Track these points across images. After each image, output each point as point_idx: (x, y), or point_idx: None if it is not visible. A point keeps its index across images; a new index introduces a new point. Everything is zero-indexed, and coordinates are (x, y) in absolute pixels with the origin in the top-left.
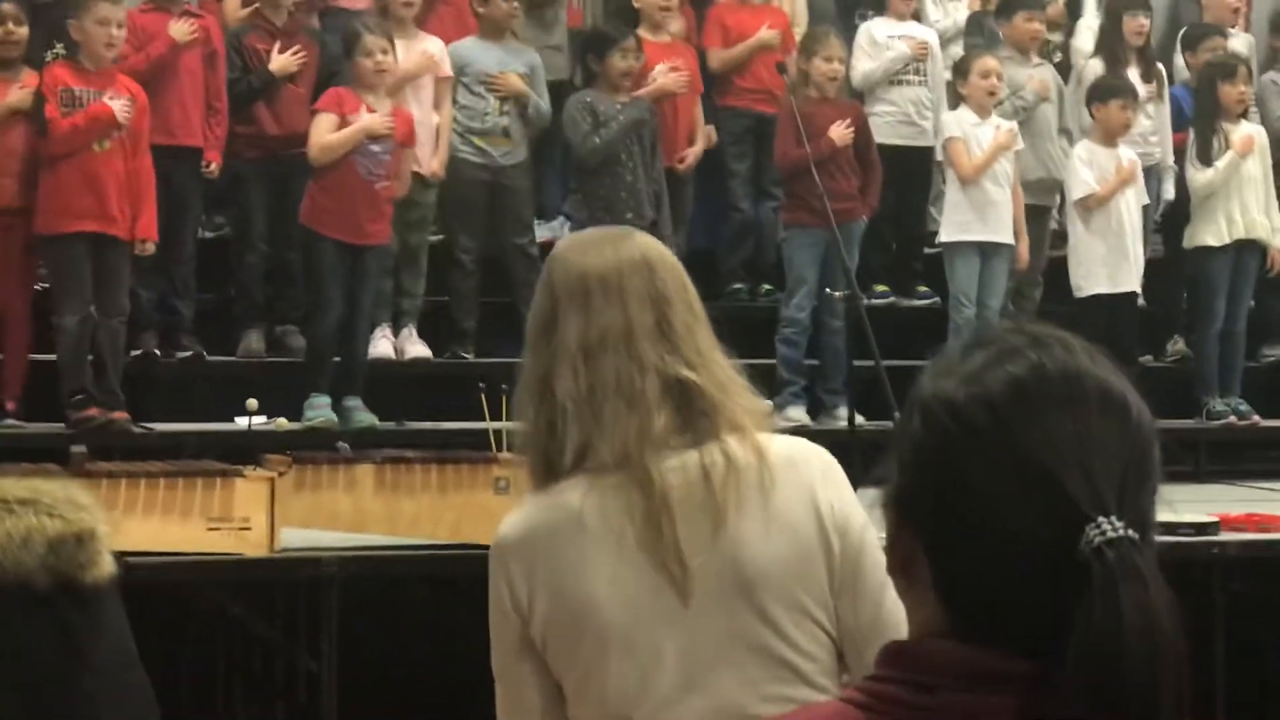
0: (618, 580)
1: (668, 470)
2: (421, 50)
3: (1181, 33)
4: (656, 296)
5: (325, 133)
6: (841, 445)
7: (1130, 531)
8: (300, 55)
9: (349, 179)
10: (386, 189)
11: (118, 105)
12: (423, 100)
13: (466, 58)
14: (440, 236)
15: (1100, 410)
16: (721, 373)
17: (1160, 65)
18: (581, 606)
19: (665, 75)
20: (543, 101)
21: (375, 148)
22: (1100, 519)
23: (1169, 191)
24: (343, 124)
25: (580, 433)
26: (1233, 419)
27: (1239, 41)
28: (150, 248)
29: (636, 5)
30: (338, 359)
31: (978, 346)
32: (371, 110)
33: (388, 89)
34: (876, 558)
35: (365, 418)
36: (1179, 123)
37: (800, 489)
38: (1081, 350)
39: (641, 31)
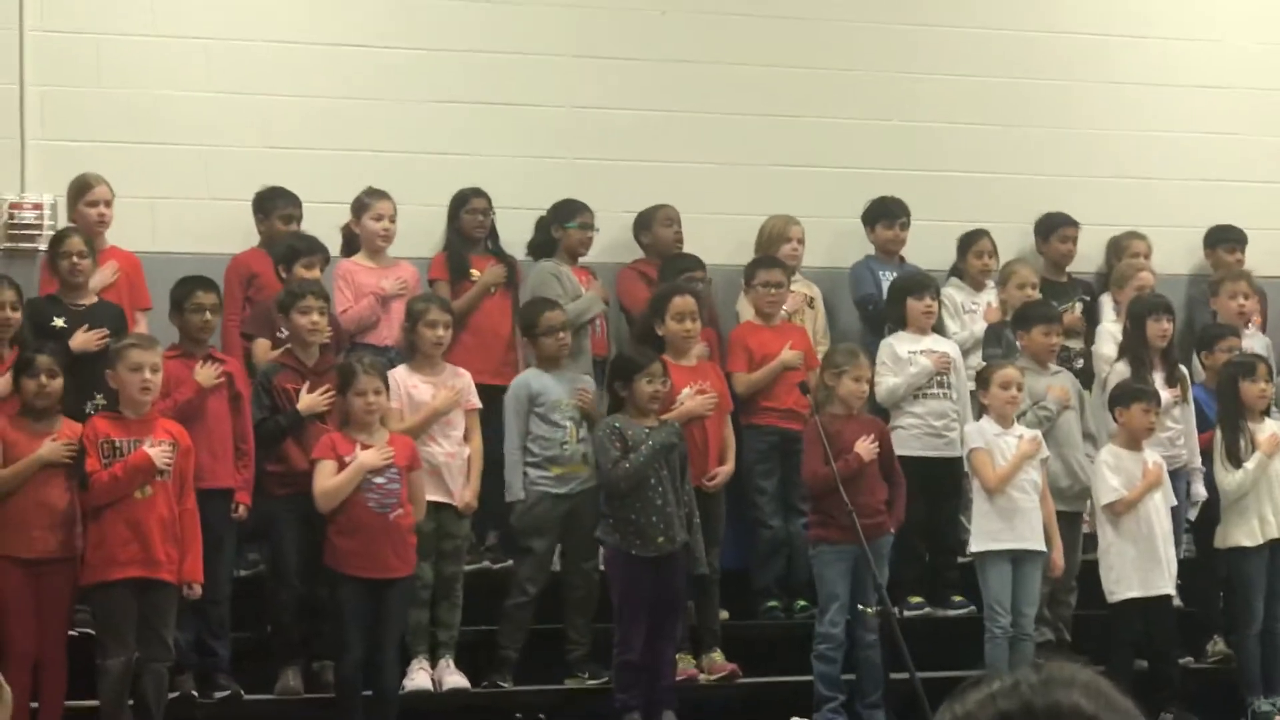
0: None
1: None
2: (450, 385)
3: (1197, 334)
4: None
5: (326, 479)
6: None
7: None
8: (329, 394)
9: (363, 517)
10: (402, 517)
11: (156, 451)
12: (454, 433)
13: (535, 387)
14: (478, 565)
15: None
16: None
17: (1183, 368)
18: None
19: (692, 399)
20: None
21: (379, 480)
22: None
23: (1200, 492)
24: (341, 467)
25: None
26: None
27: (1255, 341)
28: (198, 590)
29: (660, 333)
30: (368, 693)
31: (986, 683)
32: (367, 446)
33: (422, 424)
34: None
35: None
36: (1200, 423)
37: None
38: (1082, 688)
39: (667, 356)
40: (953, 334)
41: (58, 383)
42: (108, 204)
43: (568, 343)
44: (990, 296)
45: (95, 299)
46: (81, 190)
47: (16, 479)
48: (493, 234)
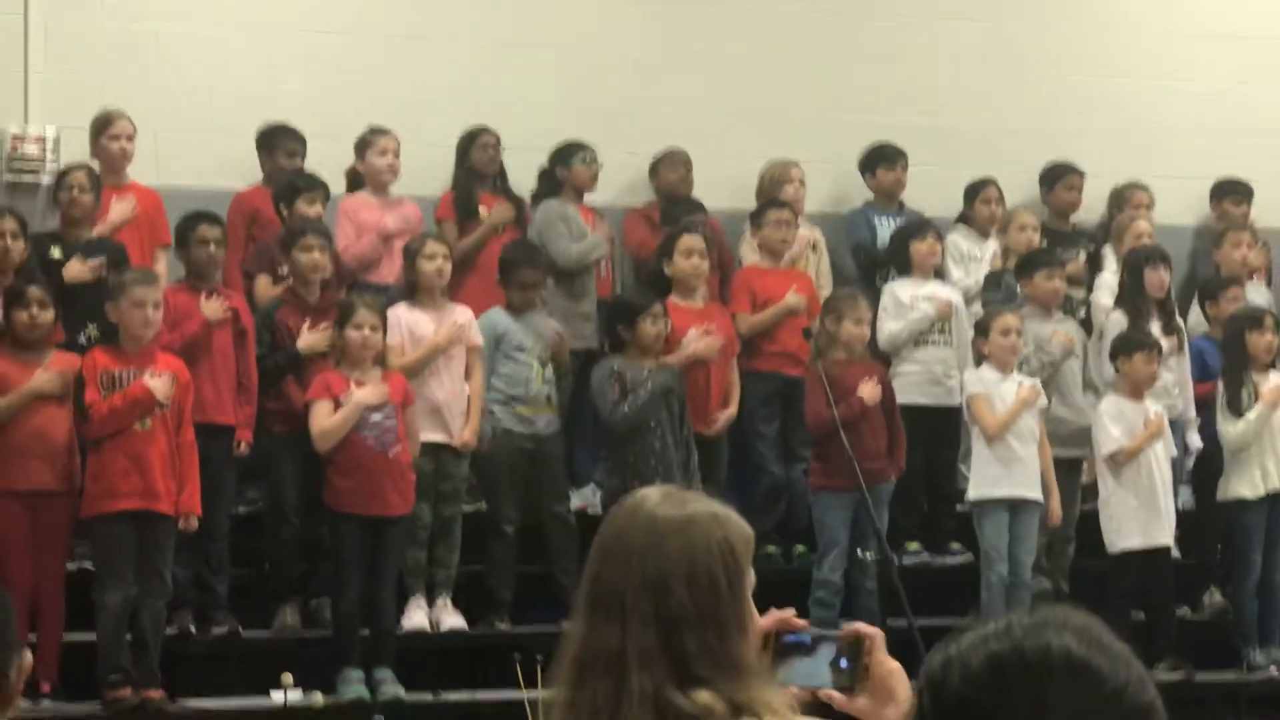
0: None
1: None
2: (452, 321)
3: (1200, 284)
4: (668, 618)
5: (323, 419)
6: None
7: None
8: (329, 332)
9: (362, 454)
10: (402, 454)
11: (157, 383)
12: (454, 370)
13: (501, 327)
14: (474, 507)
15: (1069, 681)
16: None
17: (1180, 318)
18: None
19: (699, 340)
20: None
21: (377, 416)
22: None
23: (1196, 442)
24: (337, 406)
25: None
26: (1273, 671)
27: (1257, 294)
28: (194, 522)
29: (668, 271)
30: (366, 631)
31: (979, 625)
32: (361, 384)
33: (423, 360)
34: None
35: (392, 690)
36: (1199, 374)
37: None
38: (1074, 631)
39: (674, 298)
40: (956, 281)
41: (49, 314)
42: (129, 138)
43: (537, 299)
44: (995, 245)
45: (95, 234)
46: (103, 125)
47: (9, 410)
48: (501, 173)
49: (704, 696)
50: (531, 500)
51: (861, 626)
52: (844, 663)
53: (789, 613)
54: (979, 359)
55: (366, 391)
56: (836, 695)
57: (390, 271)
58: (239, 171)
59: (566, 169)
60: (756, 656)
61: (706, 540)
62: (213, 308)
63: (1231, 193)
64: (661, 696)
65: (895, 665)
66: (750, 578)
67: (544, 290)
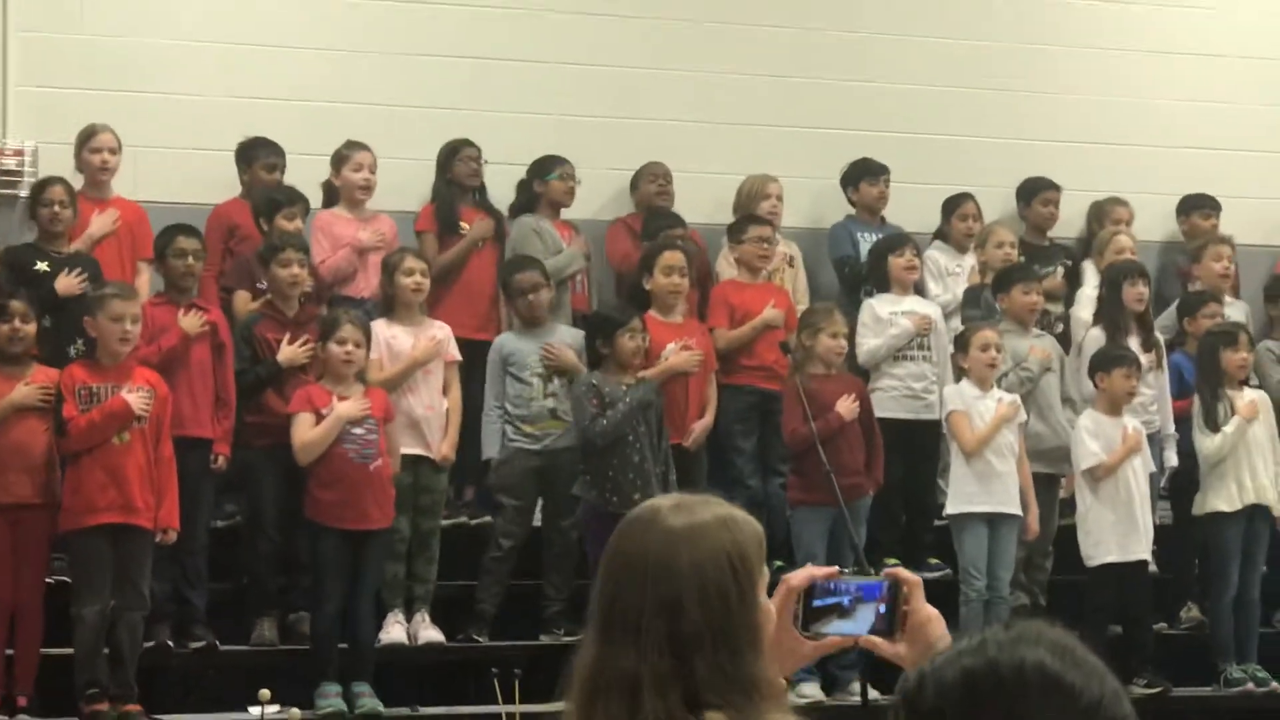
0: None
1: None
2: (430, 336)
3: (1178, 300)
4: (681, 641)
5: (305, 432)
6: None
7: None
8: (309, 346)
9: (344, 468)
10: (383, 468)
11: (134, 397)
12: (433, 385)
13: (508, 349)
14: (454, 520)
15: (1043, 696)
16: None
17: (1159, 333)
18: None
19: (676, 355)
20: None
21: (358, 430)
22: None
23: (1172, 459)
24: (319, 419)
25: None
26: (1251, 686)
27: (1235, 309)
28: (172, 535)
29: (648, 287)
30: (344, 645)
31: (956, 641)
32: (344, 398)
33: (402, 374)
34: None
35: (369, 704)
36: (1176, 390)
37: None
38: (1049, 646)
39: (653, 313)
40: (935, 296)
41: (31, 328)
42: (112, 151)
43: (540, 304)
44: (973, 260)
45: (74, 248)
46: (86, 138)
47: None
48: (482, 187)
49: (716, 717)
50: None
51: (900, 572)
52: (883, 608)
53: (823, 571)
54: (958, 374)
55: (348, 405)
56: (878, 641)
57: (366, 285)
58: (218, 187)
59: (543, 183)
60: (772, 655)
61: (716, 553)
62: (191, 322)
63: (1200, 206)
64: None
65: (933, 612)
66: (764, 576)
67: (549, 296)
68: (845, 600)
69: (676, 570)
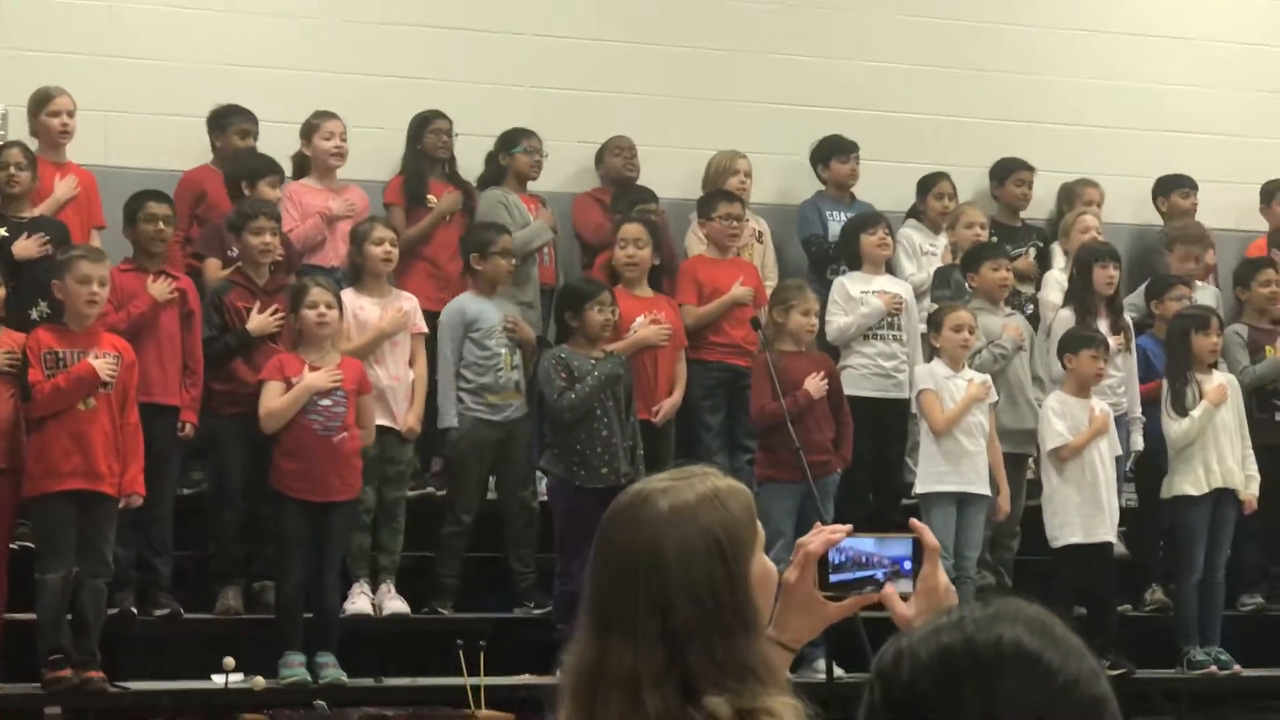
0: None
1: None
2: (397, 307)
3: (1147, 282)
4: (673, 636)
5: (272, 399)
6: (820, 698)
7: None
8: (279, 315)
9: (306, 439)
10: (347, 441)
11: (101, 363)
12: (399, 356)
13: (471, 312)
14: (419, 493)
15: (1020, 674)
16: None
17: (1128, 316)
18: None
19: (646, 327)
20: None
21: (325, 402)
22: None
23: (1138, 442)
24: (289, 388)
25: None
26: (1214, 668)
27: (1205, 293)
28: (137, 500)
29: (615, 264)
30: (309, 615)
31: (934, 618)
32: (316, 368)
33: (369, 345)
34: None
35: (334, 674)
36: (1148, 373)
37: None
38: (1027, 624)
39: (622, 287)
40: (909, 275)
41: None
42: (70, 114)
43: (512, 270)
44: (947, 239)
45: (38, 212)
46: (42, 101)
47: None
48: (451, 159)
49: (714, 702)
50: (497, 485)
51: (926, 533)
52: (906, 565)
53: (839, 533)
54: (930, 354)
55: (317, 376)
56: (895, 600)
57: (335, 255)
58: (191, 153)
59: (509, 156)
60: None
61: (704, 538)
62: (160, 288)
63: (1178, 186)
64: (674, 713)
65: (945, 582)
66: (759, 537)
67: (513, 264)
68: (880, 574)
69: (664, 564)
